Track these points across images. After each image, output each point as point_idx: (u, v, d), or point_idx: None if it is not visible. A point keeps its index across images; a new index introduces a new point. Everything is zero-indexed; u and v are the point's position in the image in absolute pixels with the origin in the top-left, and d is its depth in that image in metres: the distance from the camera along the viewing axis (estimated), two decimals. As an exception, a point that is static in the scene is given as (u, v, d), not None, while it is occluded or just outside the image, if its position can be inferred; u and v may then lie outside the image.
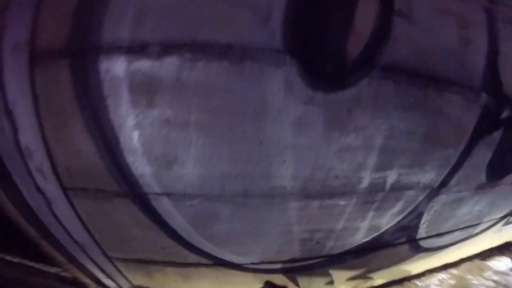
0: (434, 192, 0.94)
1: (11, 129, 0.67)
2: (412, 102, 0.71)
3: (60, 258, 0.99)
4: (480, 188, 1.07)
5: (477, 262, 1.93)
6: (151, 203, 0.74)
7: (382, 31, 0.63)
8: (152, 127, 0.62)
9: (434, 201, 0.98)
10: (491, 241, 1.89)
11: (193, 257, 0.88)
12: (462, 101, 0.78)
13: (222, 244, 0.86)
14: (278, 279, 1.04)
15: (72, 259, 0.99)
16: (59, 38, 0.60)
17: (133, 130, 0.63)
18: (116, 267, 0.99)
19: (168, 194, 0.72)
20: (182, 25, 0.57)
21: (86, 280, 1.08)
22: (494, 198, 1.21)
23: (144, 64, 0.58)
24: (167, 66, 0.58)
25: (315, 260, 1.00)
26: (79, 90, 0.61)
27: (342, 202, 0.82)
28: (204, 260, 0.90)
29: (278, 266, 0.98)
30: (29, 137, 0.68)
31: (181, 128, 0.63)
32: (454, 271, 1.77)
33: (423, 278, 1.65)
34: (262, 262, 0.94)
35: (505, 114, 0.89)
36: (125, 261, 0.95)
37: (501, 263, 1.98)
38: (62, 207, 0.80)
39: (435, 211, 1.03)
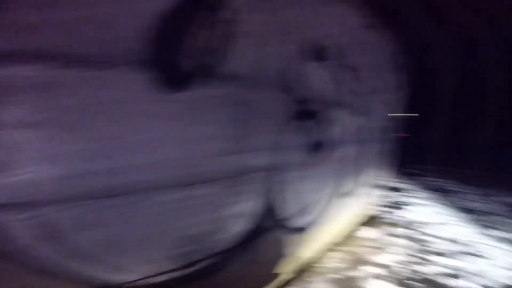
0: (274, 172, 1.25)
1: None
2: (232, 99, 0.99)
3: None
4: (310, 165, 1.50)
5: (352, 236, 2.39)
6: None
7: (215, 48, 0.92)
8: None
9: (279, 181, 1.29)
10: (349, 215, 2.37)
11: (61, 285, 0.76)
12: (272, 97, 1.17)
13: (91, 260, 0.78)
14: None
15: None
16: None
17: None
18: None
19: (6, 206, 0.66)
20: (56, 38, 0.66)
21: None
22: (325, 172, 1.67)
23: (8, 69, 0.62)
24: (29, 70, 0.64)
25: (206, 262, 1.03)
26: None
27: (204, 191, 0.96)
28: (77, 286, 0.77)
29: (166, 278, 0.93)
30: None
31: (28, 128, 0.65)
32: (340, 247, 2.12)
33: (321, 260, 1.87)
34: (147, 277, 0.89)
35: (306, 106, 1.38)
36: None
37: (369, 232, 2.54)
38: None
39: (284, 189, 1.34)
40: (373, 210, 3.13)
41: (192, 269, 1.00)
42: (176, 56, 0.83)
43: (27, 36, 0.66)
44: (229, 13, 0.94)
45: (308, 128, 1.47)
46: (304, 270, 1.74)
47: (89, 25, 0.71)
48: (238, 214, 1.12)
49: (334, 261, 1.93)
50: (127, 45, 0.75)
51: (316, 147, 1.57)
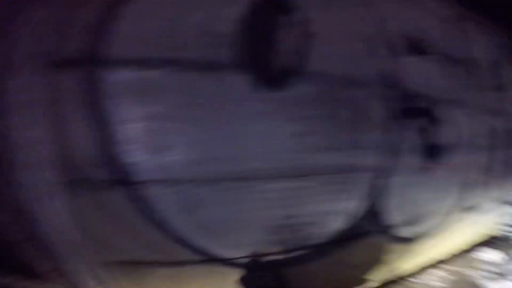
0: (383, 174, 1.14)
1: (20, 124, 0.82)
2: (333, 95, 0.98)
3: (41, 266, 0.99)
4: (424, 170, 1.29)
5: (467, 256, 1.99)
6: (138, 192, 0.86)
7: (303, 48, 0.95)
8: (147, 120, 0.82)
9: (388, 184, 1.17)
10: (470, 233, 1.97)
11: (183, 254, 0.94)
12: (376, 94, 1.07)
13: (210, 235, 0.94)
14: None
15: (54, 266, 0.99)
16: (78, 50, 0.81)
17: (130, 123, 0.81)
18: (100, 274, 0.99)
19: (158, 182, 0.86)
20: (170, 45, 0.84)
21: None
22: (441, 181, 1.41)
23: (143, 74, 0.82)
24: (158, 75, 0.82)
25: (301, 252, 1.08)
26: (87, 91, 0.79)
27: (309, 183, 0.99)
28: (195, 257, 0.95)
29: (267, 259, 1.03)
30: (35, 130, 0.81)
31: (171, 120, 0.84)
32: (448, 266, 1.82)
33: (419, 276, 1.66)
34: (250, 256, 1.01)
35: (418, 104, 1.21)
36: (111, 265, 0.98)
37: (490, 254, 2.04)
38: (54, 201, 0.88)
39: (393, 194, 1.21)
40: (498, 230, 2.53)
41: (288, 256, 1.07)
42: (266, 58, 0.90)
43: (146, 42, 0.83)
44: (304, 14, 0.95)
45: (422, 128, 1.25)
46: (396, 283, 1.58)
47: (185, 32, 0.84)
48: (338, 212, 1.09)
49: (434, 279, 1.68)
50: (222, 49, 0.86)
51: (433, 150, 1.32)
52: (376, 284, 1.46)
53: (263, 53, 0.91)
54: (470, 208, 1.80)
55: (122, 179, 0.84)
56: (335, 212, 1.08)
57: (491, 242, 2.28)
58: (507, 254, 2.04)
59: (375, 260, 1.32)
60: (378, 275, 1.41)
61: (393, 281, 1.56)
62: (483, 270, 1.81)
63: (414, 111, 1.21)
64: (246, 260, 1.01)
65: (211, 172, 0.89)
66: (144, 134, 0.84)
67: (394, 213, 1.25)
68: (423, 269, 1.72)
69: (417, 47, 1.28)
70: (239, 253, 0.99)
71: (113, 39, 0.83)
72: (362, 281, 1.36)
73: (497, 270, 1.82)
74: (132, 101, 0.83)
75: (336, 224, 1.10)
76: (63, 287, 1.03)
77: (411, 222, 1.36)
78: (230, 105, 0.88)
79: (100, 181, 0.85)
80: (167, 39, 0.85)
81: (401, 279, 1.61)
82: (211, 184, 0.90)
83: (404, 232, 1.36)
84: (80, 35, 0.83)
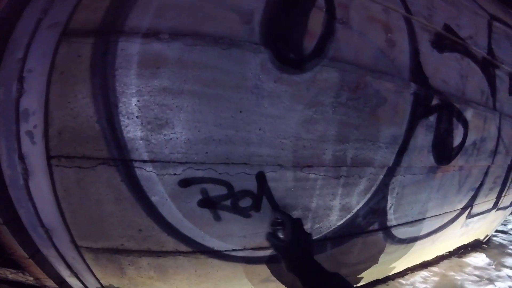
0: (391, 171, 1.12)
1: (16, 93, 0.76)
2: (355, 85, 0.94)
3: (20, 251, 0.93)
4: (433, 172, 1.27)
5: (454, 259, 2.04)
6: (135, 171, 0.81)
7: (328, 33, 0.90)
8: (150, 94, 0.77)
9: (393, 182, 1.15)
10: (461, 237, 2.00)
11: (171, 243, 0.90)
12: (396, 87, 1.03)
13: (202, 223, 0.89)
14: (262, 271, 1.04)
15: (34, 253, 0.95)
16: (90, 22, 0.77)
17: (133, 96, 0.76)
18: (84, 261, 0.95)
19: (153, 162, 0.80)
20: (188, 20, 0.78)
21: (48, 282, 0.99)
22: (449, 183, 1.39)
23: (154, 46, 0.76)
24: (172, 48, 0.76)
25: None
26: (94, 62, 0.75)
27: (312, 175, 0.96)
28: (182, 247, 0.92)
29: (261, 254, 1.00)
30: (32, 100, 0.78)
31: (175, 95, 0.77)
32: (434, 269, 1.86)
33: (406, 277, 1.69)
34: (245, 249, 0.97)
35: (435, 101, 1.16)
36: (96, 252, 0.92)
37: (478, 259, 2.10)
38: (39, 179, 0.83)
39: (397, 193, 1.19)
40: (488, 235, 2.59)
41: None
42: (289, 38, 0.85)
43: (164, 15, 0.77)
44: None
45: (437, 127, 1.20)
46: (383, 282, 1.58)
47: (208, 6, 0.79)
48: (336, 207, 1.06)
49: (421, 281, 1.70)
50: (247, 27, 0.81)
51: (445, 150, 1.30)
52: (363, 283, 1.46)
53: (286, 33, 0.85)
54: (477, 215, 1.80)
55: (115, 156, 0.79)
56: (333, 208, 1.05)
57: (480, 246, 2.35)
58: (495, 259, 2.10)
59: (371, 260, 1.30)
60: (370, 275, 1.41)
61: (380, 281, 1.56)
62: (470, 274, 1.85)
63: (433, 108, 1.17)
64: (238, 252, 0.96)
65: (212, 154, 0.83)
66: (145, 108, 0.77)
67: (395, 213, 1.24)
68: (410, 270, 1.74)
69: (446, 43, 1.23)
70: (230, 245, 0.95)
71: (130, 10, 0.77)
72: (356, 280, 1.34)
73: (484, 275, 1.86)
74: (137, 73, 0.76)
75: (333, 220, 1.07)
76: (41, 277, 0.98)
77: (412, 223, 1.35)
78: (242, 83, 0.81)
79: (96, 156, 0.79)
80: (187, 12, 0.78)
81: (388, 279, 1.61)
82: (207, 169, 0.83)
83: (404, 233, 1.35)
84: (95, 5, 0.79)
